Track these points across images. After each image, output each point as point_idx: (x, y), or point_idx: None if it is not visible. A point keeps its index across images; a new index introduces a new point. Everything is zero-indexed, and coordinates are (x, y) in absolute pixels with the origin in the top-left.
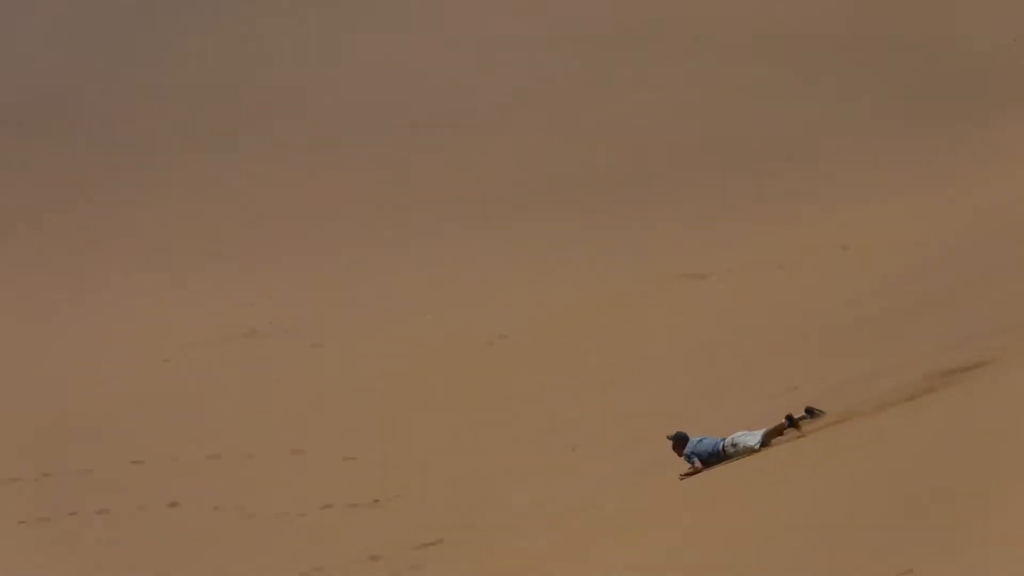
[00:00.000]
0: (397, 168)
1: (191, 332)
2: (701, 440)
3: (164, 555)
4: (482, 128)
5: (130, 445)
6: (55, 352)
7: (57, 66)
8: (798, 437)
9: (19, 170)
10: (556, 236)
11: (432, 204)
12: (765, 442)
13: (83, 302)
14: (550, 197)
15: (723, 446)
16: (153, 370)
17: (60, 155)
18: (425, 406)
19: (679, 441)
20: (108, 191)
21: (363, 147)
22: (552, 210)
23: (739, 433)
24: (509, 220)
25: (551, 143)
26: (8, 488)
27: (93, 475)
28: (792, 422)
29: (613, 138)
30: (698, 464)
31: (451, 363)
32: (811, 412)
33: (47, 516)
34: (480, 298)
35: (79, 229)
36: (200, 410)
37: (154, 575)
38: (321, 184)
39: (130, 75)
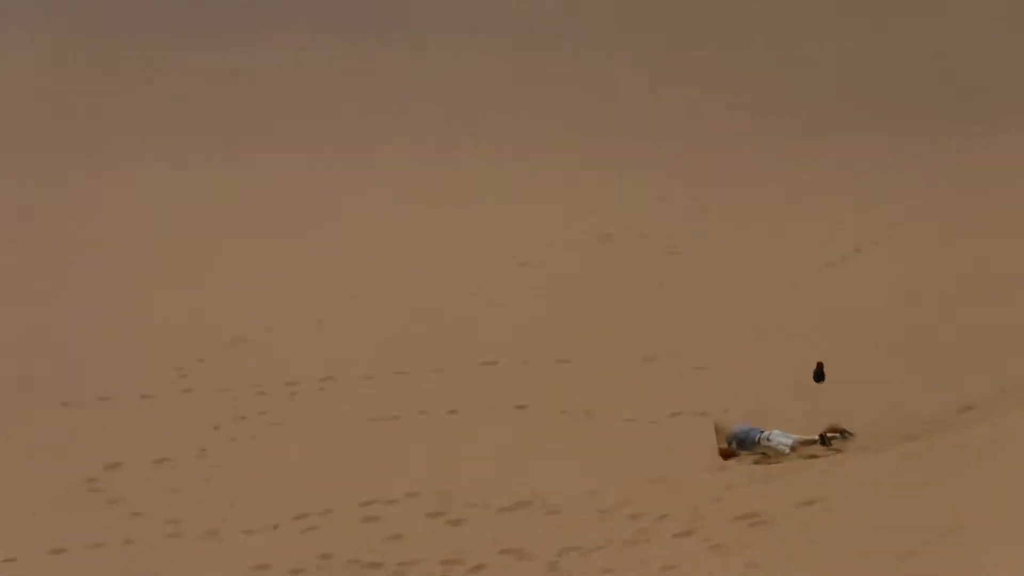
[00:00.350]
0: (742, 81)
1: (547, 236)
2: (745, 427)
3: (509, 453)
4: (823, 41)
5: (482, 346)
6: (413, 252)
7: None
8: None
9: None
10: (904, 148)
11: (777, 117)
12: (794, 448)
13: (444, 204)
14: (892, 110)
15: (759, 438)
16: (510, 273)
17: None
18: (778, 319)
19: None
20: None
21: (710, 60)
22: (901, 120)
23: (776, 432)
24: (857, 129)
25: (879, 59)
26: (362, 384)
27: (444, 375)
28: (824, 441)
29: (947, 51)
30: (735, 447)
31: (804, 279)
32: (843, 433)
33: (399, 414)
34: (831, 211)
35: (462, 134)
36: (552, 314)
37: (497, 471)
38: (674, 94)
39: None
